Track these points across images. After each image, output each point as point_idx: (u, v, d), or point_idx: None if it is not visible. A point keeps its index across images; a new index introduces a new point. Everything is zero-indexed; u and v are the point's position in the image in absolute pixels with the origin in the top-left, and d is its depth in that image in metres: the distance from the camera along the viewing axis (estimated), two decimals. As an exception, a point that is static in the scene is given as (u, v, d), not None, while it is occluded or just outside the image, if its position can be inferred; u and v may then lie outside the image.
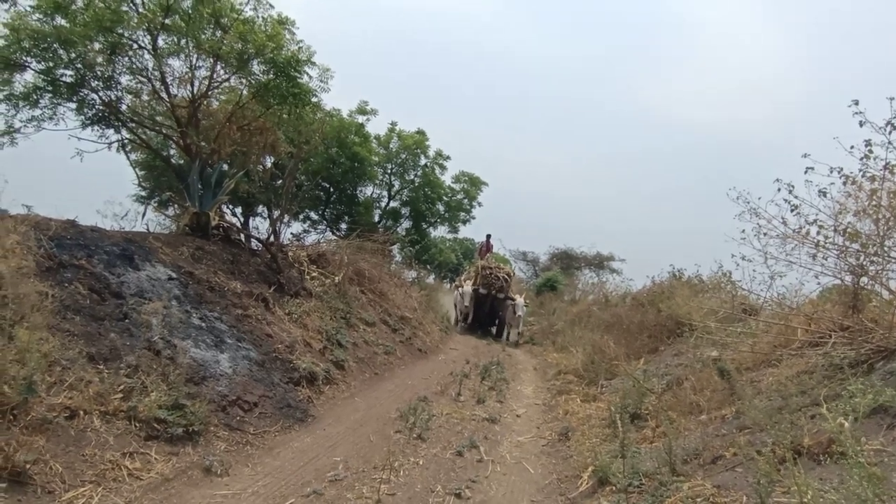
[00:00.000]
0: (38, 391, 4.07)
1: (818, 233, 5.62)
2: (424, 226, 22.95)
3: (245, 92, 10.44)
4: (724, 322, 7.59)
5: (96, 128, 9.78)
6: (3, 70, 8.24)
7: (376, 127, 22.75)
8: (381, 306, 12.69)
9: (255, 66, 9.77)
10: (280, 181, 14.20)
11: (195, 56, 9.60)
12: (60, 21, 8.16)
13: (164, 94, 9.70)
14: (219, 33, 9.34)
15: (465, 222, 23.64)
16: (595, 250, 33.57)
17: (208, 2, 8.99)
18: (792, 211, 5.82)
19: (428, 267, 23.78)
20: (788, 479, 3.05)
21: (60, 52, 8.34)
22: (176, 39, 9.34)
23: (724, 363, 6.05)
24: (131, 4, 8.77)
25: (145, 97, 10.32)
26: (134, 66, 9.35)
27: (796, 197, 5.77)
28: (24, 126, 8.81)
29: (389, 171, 21.89)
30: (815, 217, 5.66)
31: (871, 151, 5.22)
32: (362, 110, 19.65)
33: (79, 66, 8.65)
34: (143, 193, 13.09)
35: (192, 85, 9.90)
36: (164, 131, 10.40)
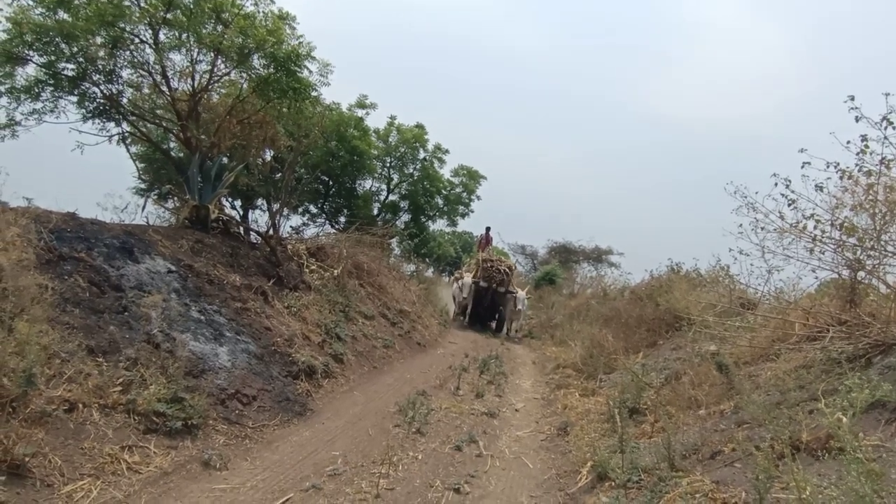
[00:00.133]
0: (37, 384, 4.07)
1: (815, 227, 5.62)
2: (423, 219, 22.88)
3: (245, 86, 10.42)
4: (723, 316, 7.60)
5: (97, 121, 9.76)
6: (6, 63, 8.22)
7: (375, 121, 22.76)
8: (379, 300, 12.69)
9: (256, 61, 9.74)
10: (279, 174, 14.20)
11: (196, 50, 9.57)
12: (63, 15, 8.13)
13: (164, 88, 9.68)
14: (220, 28, 9.31)
15: (463, 216, 23.59)
16: (593, 244, 33.69)
17: (209, -3, 8.97)
18: (789, 205, 5.82)
19: (426, 260, 23.77)
20: (787, 475, 3.05)
21: (62, 45, 8.32)
22: (177, 34, 9.30)
23: (723, 357, 6.06)
24: (133, -1, 8.75)
25: (146, 91, 10.30)
26: (135, 60, 9.33)
27: (793, 192, 5.77)
28: (26, 119, 8.80)
29: (388, 165, 21.82)
30: (812, 211, 5.66)
31: (867, 146, 5.22)
32: (361, 104, 19.59)
33: (80, 59, 8.63)
34: (143, 186, 13.09)
35: (193, 79, 9.89)
36: (165, 124, 10.39)
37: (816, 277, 6.00)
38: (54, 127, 9.10)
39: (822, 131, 5.70)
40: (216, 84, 10.52)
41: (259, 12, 9.57)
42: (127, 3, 8.54)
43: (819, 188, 5.60)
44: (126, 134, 10.44)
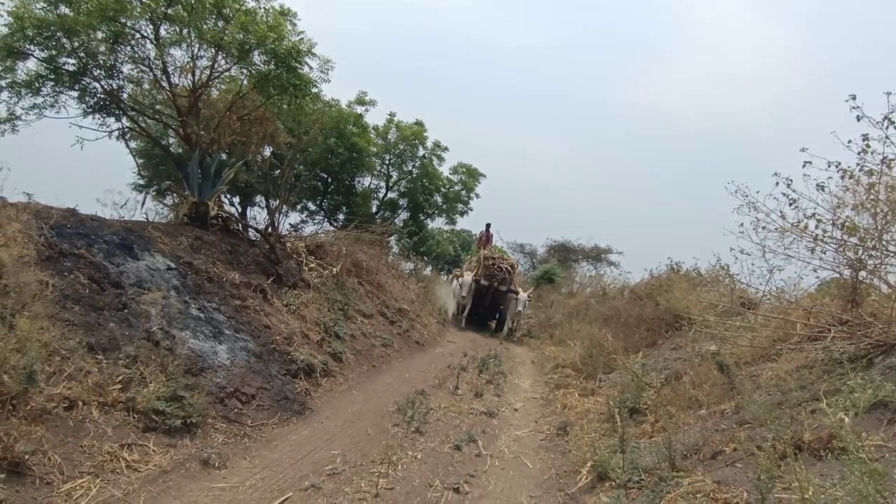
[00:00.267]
0: (38, 381, 4.05)
1: (816, 227, 5.64)
2: (422, 217, 22.82)
3: (245, 82, 10.41)
4: (723, 316, 7.60)
5: (97, 116, 9.77)
6: (7, 58, 8.23)
7: (375, 118, 22.66)
8: (378, 298, 12.67)
9: (256, 57, 9.74)
10: (278, 171, 14.16)
11: (197, 46, 9.56)
12: (64, 10, 8.12)
13: (165, 84, 9.67)
14: (221, 24, 9.29)
15: (462, 214, 23.49)
16: (593, 243, 33.63)
17: (210, -8, 8.95)
18: (790, 205, 5.83)
19: (425, 258, 23.71)
20: (789, 475, 3.06)
21: (63, 40, 8.31)
22: (178, 29, 9.30)
23: (723, 357, 6.06)
24: (134, -6, 8.72)
25: (146, 86, 10.29)
26: (136, 56, 9.32)
27: (794, 191, 5.78)
28: (26, 113, 8.80)
29: (387, 162, 21.77)
30: (813, 211, 5.68)
31: (868, 146, 5.23)
32: (361, 101, 19.52)
33: (81, 54, 8.63)
34: (142, 182, 13.06)
35: (194, 74, 9.87)
36: (165, 120, 10.37)
37: (818, 277, 6.02)
38: (54, 122, 9.11)
39: (822, 129, 5.72)
40: (216, 80, 10.50)
41: (260, 8, 9.54)
42: (128, -2, 8.52)
43: (820, 187, 5.61)
44: (126, 129, 10.42)
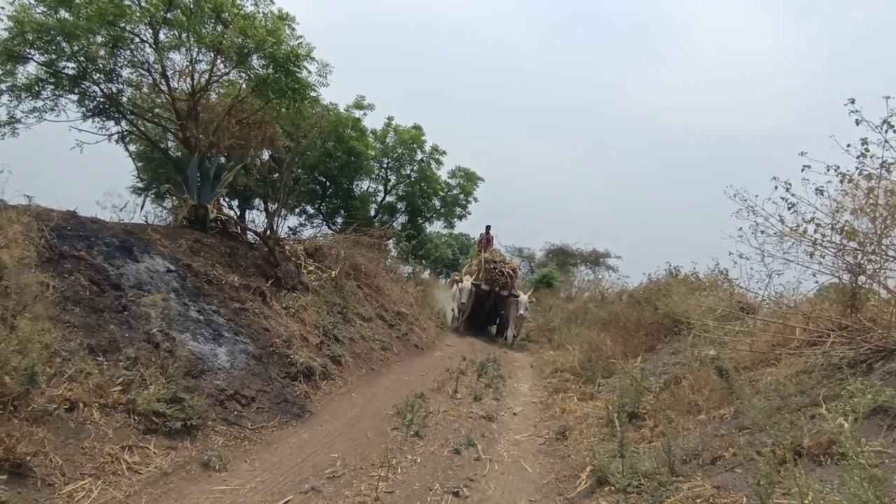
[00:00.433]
0: (39, 382, 4.05)
1: (815, 231, 5.63)
2: (420, 221, 22.86)
3: (244, 86, 10.43)
4: (722, 320, 7.61)
5: (97, 119, 9.79)
6: (7, 62, 8.23)
7: (373, 121, 22.71)
8: (377, 301, 12.68)
9: (255, 61, 9.75)
10: (277, 174, 14.17)
11: (196, 50, 9.57)
12: (64, 14, 8.14)
13: (164, 87, 9.67)
14: (220, 28, 9.31)
15: (460, 217, 23.56)
16: (591, 247, 33.64)
17: (209, -3, 8.98)
18: (789, 209, 5.83)
19: (424, 262, 23.71)
20: (789, 481, 3.06)
21: (63, 44, 8.32)
22: (177, 33, 9.31)
23: (723, 362, 6.05)
24: (134, -1, 8.75)
25: (146, 90, 10.31)
26: (135, 60, 9.33)
27: (793, 195, 5.79)
28: (26, 117, 8.82)
29: (386, 166, 21.82)
30: (812, 215, 5.68)
31: (867, 150, 5.24)
32: (359, 105, 19.59)
33: (81, 58, 8.63)
34: (141, 185, 13.07)
35: (192, 78, 9.88)
36: (164, 124, 10.38)
37: (817, 282, 6.02)
38: (54, 125, 9.13)
39: (821, 132, 5.75)
40: (215, 84, 10.51)
41: (259, 13, 9.57)
42: (128, 3, 8.54)
43: (819, 192, 5.62)
44: (125, 133, 10.44)
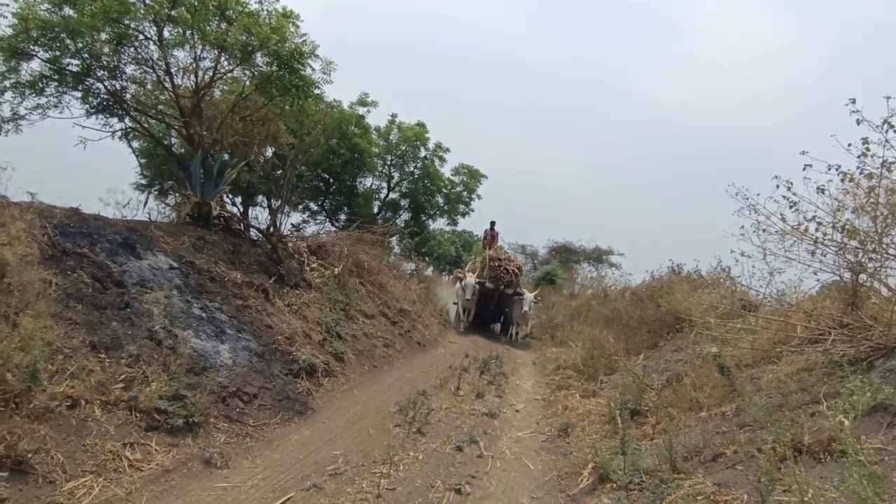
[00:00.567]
0: (41, 379, 4.07)
1: (817, 229, 5.64)
2: (423, 218, 22.82)
3: (248, 83, 10.44)
4: (724, 318, 7.60)
5: (100, 116, 9.84)
6: (11, 58, 8.30)
7: (376, 118, 22.66)
8: (380, 298, 12.69)
9: (259, 58, 9.78)
10: (281, 171, 14.19)
11: (200, 47, 9.61)
12: (68, 11, 8.18)
13: (168, 85, 9.72)
14: (224, 25, 9.32)
15: (464, 215, 23.47)
16: (594, 244, 33.58)
17: (214, -6, 8.99)
18: (791, 207, 5.83)
19: (427, 259, 23.70)
20: (789, 478, 3.06)
21: (67, 41, 8.37)
22: (181, 31, 9.35)
23: (724, 359, 6.05)
24: (138, -4, 8.77)
25: (149, 87, 10.35)
26: (139, 57, 9.38)
27: (795, 194, 5.79)
28: (30, 113, 8.88)
29: (389, 163, 21.75)
30: (813, 214, 5.68)
31: (868, 149, 5.24)
32: (363, 102, 19.52)
33: (85, 55, 8.69)
34: (144, 182, 13.09)
35: (196, 76, 9.91)
36: (168, 121, 10.42)
37: (818, 280, 6.02)
38: (58, 122, 9.18)
39: (822, 132, 5.73)
40: (219, 81, 10.53)
41: (263, 10, 9.57)
42: (132, 0, 8.56)
43: (821, 191, 5.62)
44: (129, 130, 10.48)
